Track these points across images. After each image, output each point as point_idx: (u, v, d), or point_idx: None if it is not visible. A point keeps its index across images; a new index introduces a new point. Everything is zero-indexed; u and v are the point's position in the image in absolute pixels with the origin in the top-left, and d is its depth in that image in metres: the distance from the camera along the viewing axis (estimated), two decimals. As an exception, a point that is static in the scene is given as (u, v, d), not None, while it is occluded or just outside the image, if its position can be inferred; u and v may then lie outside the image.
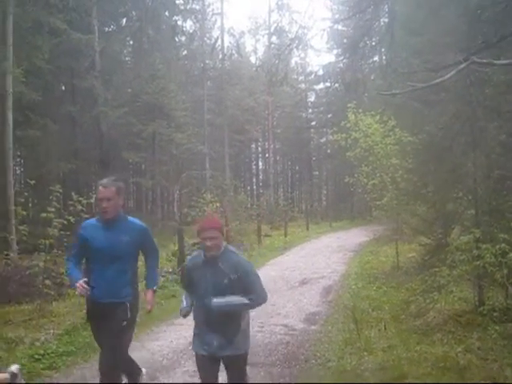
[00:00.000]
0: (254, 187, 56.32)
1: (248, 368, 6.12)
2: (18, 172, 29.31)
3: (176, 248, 14.73)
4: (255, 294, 4.23)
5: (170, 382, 5.80)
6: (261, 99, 42.13)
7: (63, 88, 28.36)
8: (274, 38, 43.95)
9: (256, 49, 52.23)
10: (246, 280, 4.20)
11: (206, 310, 4.17)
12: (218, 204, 19.63)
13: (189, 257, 4.78)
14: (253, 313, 9.15)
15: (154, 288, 5.03)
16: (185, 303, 4.44)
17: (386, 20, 11.75)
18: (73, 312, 8.78)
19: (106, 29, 30.34)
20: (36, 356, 6.62)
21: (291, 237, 25.44)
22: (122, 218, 4.85)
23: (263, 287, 4.33)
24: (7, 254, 12.40)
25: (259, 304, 4.33)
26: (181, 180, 26.76)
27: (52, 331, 7.63)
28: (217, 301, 4.10)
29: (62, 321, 8.26)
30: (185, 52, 39.54)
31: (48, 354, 6.73)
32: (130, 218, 4.95)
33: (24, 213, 9.88)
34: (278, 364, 6.41)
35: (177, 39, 35.24)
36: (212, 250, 4.17)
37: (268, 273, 14.44)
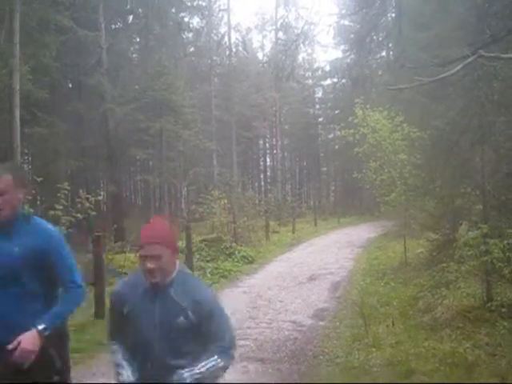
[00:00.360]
0: (262, 183, 56.27)
1: (256, 364, 6.17)
2: (26, 169, 29.38)
3: (184, 245, 14.73)
4: (224, 342, 2.80)
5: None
6: (268, 95, 42.00)
7: (70, 85, 28.45)
8: (280, 34, 43.80)
9: (263, 45, 52.18)
10: (210, 321, 2.75)
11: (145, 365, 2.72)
12: (225, 201, 19.63)
13: (119, 281, 3.21)
14: (261, 309, 9.22)
15: (40, 328, 2.98)
16: (125, 373, 2.75)
17: (393, 15, 11.71)
18: (80, 309, 8.75)
19: (113, 26, 30.40)
20: (44, 353, 6.60)
21: (299, 233, 25.44)
22: (22, 220, 3.20)
23: (232, 328, 2.93)
24: (16, 252, 12.44)
25: (232, 357, 2.85)
26: (188, 177, 26.78)
27: (59, 329, 7.62)
28: (189, 374, 2.64)
29: (70, 318, 8.23)
30: (192, 48, 39.53)
31: (56, 351, 6.71)
32: (37, 220, 3.29)
33: (32, 210, 9.85)
34: (286, 360, 6.40)
35: (183, 36, 35.26)
36: (154, 277, 2.70)
37: (276, 269, 14.50)
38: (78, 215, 9.53)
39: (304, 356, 6.55)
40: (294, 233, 25.22)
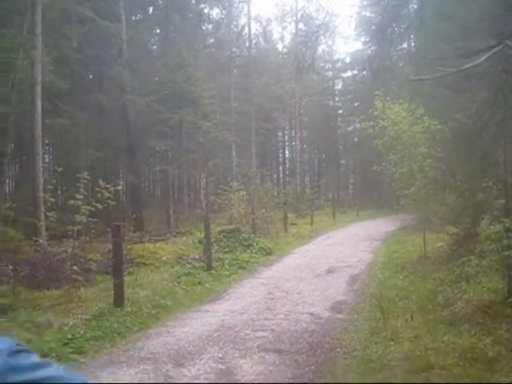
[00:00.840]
0: (281, 175, 56.16)
1: (274, 355, 6.18)
2: (47, 160, 29.68)
3: (202, 236, 14.82)
4: None
5: (196, 368, 5.80)
6: (288, 87, 41.83)
7: (91, 76, 28.61)
8: (301, 25, 43.60)
9: (283, 36, 51.82)
10: None
11: None
12: (244, 192, 19.65)
13: None
14: (279, 300, 9.24)
15: None
16: None
17: (415, 5, 11.58)
18: (100, 298, 8.89)
19: (133, 17, 30.48)
20: (64, 340, 6.72)
21: (317, 225, 25.40)
22: None
23: None
24: (36, 241, 12.61)
25: None
26: (207, 168, 26.82)
27: (80, 316, 7.74)
28: None
29: (90, 306, 8.36)
30: (211, 40, 39.53)
31: (76, 338, 6.82)
32: None
33: (52, 200, 10.01)
34: (303, 352, 6.37)
35: (203, 27, 35.28)
36: None
37: (294, 261, 14.51)
38: (98, 205, 9.61)
39: (321, 348, 6.53)
40: (312, 225, 25.17)
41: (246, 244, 15.79)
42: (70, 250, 9.69)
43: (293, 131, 48.22)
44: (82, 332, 7.06)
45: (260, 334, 7.08)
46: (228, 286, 11.11)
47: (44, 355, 6.17)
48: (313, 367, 5.85)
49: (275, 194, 24.67)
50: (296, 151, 45.26)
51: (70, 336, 6.86)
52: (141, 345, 6.71)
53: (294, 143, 47.48)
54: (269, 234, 18.80)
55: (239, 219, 18.62)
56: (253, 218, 18.59)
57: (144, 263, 12.78)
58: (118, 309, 8.16)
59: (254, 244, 15.99)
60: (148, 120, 26.29)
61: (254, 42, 40.64)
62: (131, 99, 24.17)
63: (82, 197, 9.54)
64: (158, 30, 32.84)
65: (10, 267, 9.96)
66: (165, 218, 25.94)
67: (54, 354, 6.25)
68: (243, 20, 41.02)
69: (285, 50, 48.85)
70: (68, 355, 6.30)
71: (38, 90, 15.91)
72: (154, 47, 34.74)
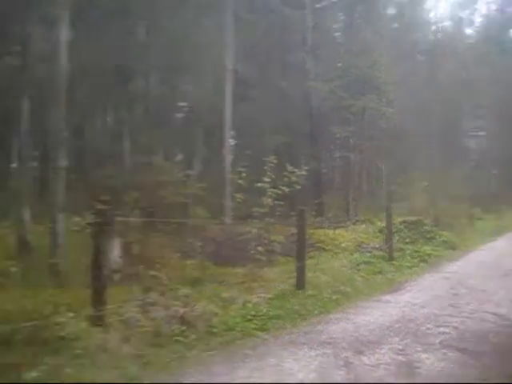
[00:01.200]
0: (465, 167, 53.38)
1: (457, 353, 5.84)
2: (234, 143, 31.02)
3: (382, 225, 14.64)
4: None
5: (375, 357, 5.69)
6: (475, 72, 39.49)
7: (275, 63, 29.32)
8: (493, 7, 40.80)
9: (472, 20, 48.92)
10: None
11: None
12: (425, 183, 19.06)
13: None
14: (463, 297, 8.81)
15: None
16: None
17: None
18: (282, 279, 9.12)
19: (317, 5, 30.63)
20: (248, 316, 7.03)
21: (506, 221, 23.97)
22: None
23: None
24: (222, 220, 13.28)
25: None
26: (390, 156, 26.28)
27: (262, 295, 8.00)
28: None
29: (272, 286, 8.61)
30: (396, 25, 38.53)
31: (259, 315, 7.11)
32: None
33: (240, 181, 10.42)
34: (488, 353, 5.99)
35: (388, 12, 34.49)
36: None
37: (479, 257, 14.11)
38: (284, 188, 9.84)
39: (509, 352, 6.09)
40: (499, 221, 23.72)
41: (427, 236, 15.42)
42: (254, 230, 10.05)
43: (480, 120, 45.52)
44: (264, 310, 7.34)
45: (442, 329, 6.84)
46: (409, 277, 10.96)
47: (229, 329, 6.51)
48: (498, 370, 5.47)
49: (460, 186, 23.60)
50: (482, 142, 42.71)
51: (253, 313, 7.17)
52: (321, 328, 6.80)
53: (480, 133, 44.83)
54: (452, 228, 18.05)
55: (421, 211, 18.10)
56: (436, 211, 17.99)
57: (324, 248, 12.93)
58: (300, 291, 8.37)
59: (437, 237, 15.58)
60: (330, 106, 26.32)
61: (440, 26, 38.91)
62: (314, 85, 24.37)
63: (269, 180, 9.82)
64: (343, 17, 32.70)
65: (199, 243, 10.59)
66: (344, 204, 25.87)
67: (238, 329, 6.55)
68: (429, 4, 39.53)
69: (474, 34, 46.11)
70: (251, 331, 6.59)
71: (229, 76, 16.65)
72: (337, 34, 34.68)
